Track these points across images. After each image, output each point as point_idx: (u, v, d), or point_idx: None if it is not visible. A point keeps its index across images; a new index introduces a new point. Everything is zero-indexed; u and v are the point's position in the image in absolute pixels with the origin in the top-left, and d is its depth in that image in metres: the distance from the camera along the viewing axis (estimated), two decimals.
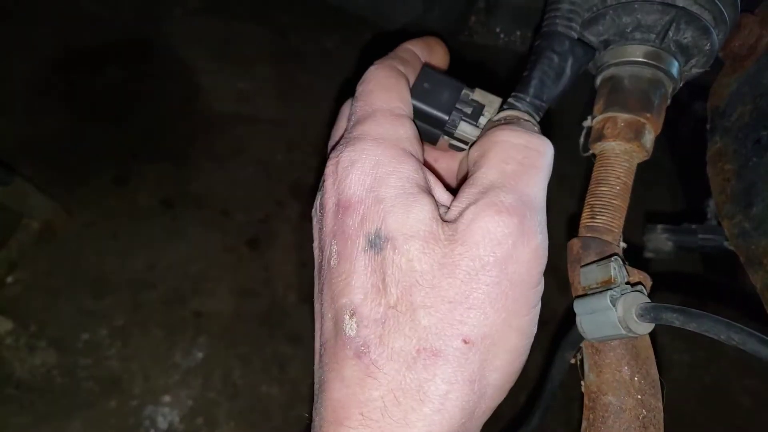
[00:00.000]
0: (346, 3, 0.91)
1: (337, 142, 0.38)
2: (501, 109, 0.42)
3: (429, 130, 0.43)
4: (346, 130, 0.39)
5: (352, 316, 0.32)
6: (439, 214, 0.34)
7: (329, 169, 0.36)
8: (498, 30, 0.72)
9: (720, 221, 0.54)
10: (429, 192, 0.35)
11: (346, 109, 0.43)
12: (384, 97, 0.38)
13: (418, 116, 0.42)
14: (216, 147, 1.71)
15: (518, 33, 0.72)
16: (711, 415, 1.57)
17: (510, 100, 0.43)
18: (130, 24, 1.83)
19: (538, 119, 0.43)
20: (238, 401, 1.40)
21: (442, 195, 0.37)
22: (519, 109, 0.42)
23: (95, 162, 1.60)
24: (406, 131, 0.37)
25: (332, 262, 0.34)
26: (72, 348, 1.37)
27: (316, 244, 0.39)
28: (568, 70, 0.44)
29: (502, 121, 0.40)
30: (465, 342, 0.32)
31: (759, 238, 0.49)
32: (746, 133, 0.52)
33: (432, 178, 0.37)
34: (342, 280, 0.33)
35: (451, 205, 0.35)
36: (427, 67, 0.43)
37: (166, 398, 1.37)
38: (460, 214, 0.33)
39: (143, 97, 1.73)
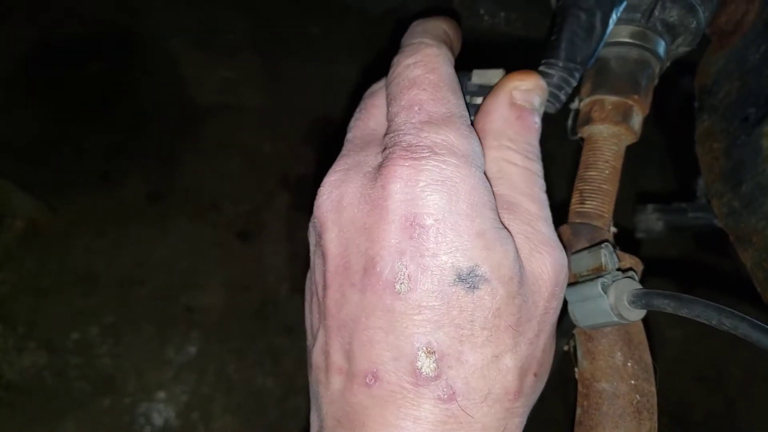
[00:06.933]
0: None
1: (394, 132, 0.33)
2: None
3: None
4: (396, 117, 0.34)
5: (430, 353, 0.30)
6: None
7: (402, 171, 0.31)
8: (482, 12, 0.70)
9: (709, 200, 0.54)
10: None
11: (380, 97, 0.38)
12: (455, 100, 0.34)
13: None
14: (202, 139, 1.69)
15: (502, 15, 0.71)
16: (705, 389, 1.59)
17: (542, 68, 0.41)
18: (109, 15, 1.79)
19: (575, 83, 0.41)
20: (234, 395, 1.40)
21: None
22: (552, 78, 0.40)
23: (79, 158, 1.58)
24: (481, 149, 0.34)
25: (400, 287, 0.30)
26: (62, 348, 1.36)
27: (341, 243, 0.33)
28: (598, 26, 0.41)
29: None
30: (535, 375, 0.33)
31: (748, 217, 0.49)
32: (734, 110, 0.52)
33: None
34: (417, 314, 0.30)
35: None
36: None
37: (161, 394, 1.36)
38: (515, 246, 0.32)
39: (126, 91, 1.71)
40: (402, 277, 0.30)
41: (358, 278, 0.32)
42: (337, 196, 0.34)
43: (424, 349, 0.30)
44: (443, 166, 0.30)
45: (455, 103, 0.34)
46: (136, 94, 1.71)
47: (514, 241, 0.32)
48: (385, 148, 0.33)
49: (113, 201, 1.55)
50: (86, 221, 1.51)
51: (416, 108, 0.33)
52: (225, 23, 1.86)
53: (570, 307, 0.39)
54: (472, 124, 0.37)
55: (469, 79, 0.40)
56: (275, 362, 1.45)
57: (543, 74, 0.40)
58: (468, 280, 0.30)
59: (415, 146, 0.31)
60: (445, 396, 0.30)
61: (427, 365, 0.29)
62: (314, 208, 0.35)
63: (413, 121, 0.33)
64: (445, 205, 0.30)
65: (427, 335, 0.30)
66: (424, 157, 0.31)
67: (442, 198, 0.30)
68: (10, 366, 1.31)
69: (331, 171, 0.35)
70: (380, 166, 0.32)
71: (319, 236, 0.34)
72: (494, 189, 0.34)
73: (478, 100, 0.39)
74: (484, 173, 0.33)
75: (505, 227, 0.32)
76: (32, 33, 1.70)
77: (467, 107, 0.39)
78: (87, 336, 1.38)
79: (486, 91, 0.38)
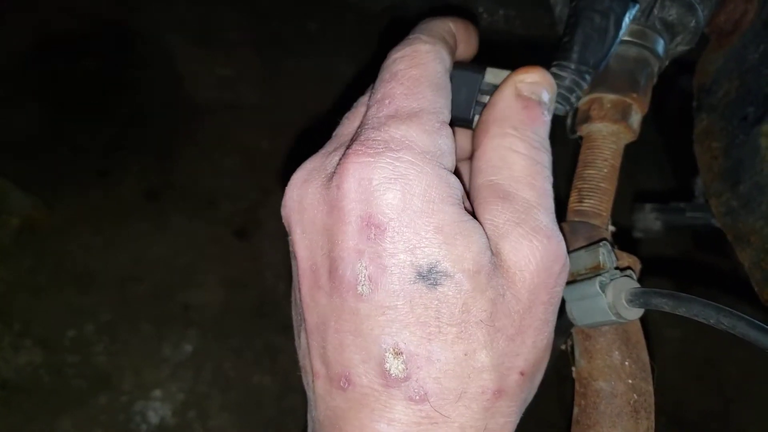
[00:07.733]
0: None
1: (361, 125, 0.33)
2: None
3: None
4: (369, 110, 0.33)
5: (397, 354, 0.29)
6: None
7: (355, 169, 0.30)
8: (481, 10, 0.70)
9: (707, 199, 0.54)
10: (473, 215, 0.33)
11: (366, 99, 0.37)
12: (431, 96, 0.33)
13: None
14: (199, 136, 1.68)
15: (501, 13, 0.71)
16: (703, 388, 1.59)
17: (553, 69, 0.41)
18: (107, 12, 1.79)
19: (586, 86, 0.41)
20: (231, 393, 1.39)
21: (468, 206, 0.34)
22: (564, 80, 0.40)
23: (76, 156, 1.57)
24: (449, 145, 0.33)
25: (362, 289, 0.29)
26: (58, 345, 1.35)
27: (306, 245, 0.33)
28: (611, 29, 0.41)
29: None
30: (521, 374, 0.32)
31: (746, 216, 0.49)
32: (732, 110, 0.52)
33: None
34: (380, 315, 0.29)
35: (483, 220, 0.32)
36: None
37: (157, 393, 1.36)
38: (500, 235, 0.31)
39: (124, 88, 1.70)
40: (363, 278, 0.29)
41: (325, 281, 0.31)
42: (298, 197, 0.33)
43: (391, 350, 0.29)
44: (397, 163, 0.30)
45: (430, 100, 0.33)
46: (133, 91, 1.70)
47: (485, 232, 0.31)
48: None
49: (110, 198, 1.54)
50: (83, 218, 1.50)
51: (387, 101, 0.33)
52: (223, 20, 1.86)
53: (568, 306, 0.39)
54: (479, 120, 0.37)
55: (483, 76, 0.39)
56: (273, 360, 1.45)
57: (555, 76, 0.40)
58: (429, 277, 0.29)
59: (372, 141, 0.31)
60: (417, 397, 0.29)
61: (395, 366, 0.29)
62: (281, 208, 0.35)
63: (380, 115, 0.32)
64: (399, 204, 0.29)
65: (393, 336, 0.29)
66: (378, 153, 0.30)
67: (396, 196, 0.29)
68: (6, 364, 1.31)
69: (297, 170, 0.35)
70: (337, 164, 0.32)
71: (289, 236, 0.34)
72: (493, 178, 0.33)
73: (486, 99, 0.39)
74: (477, 166, 0.33)
75: (476, 218, 0.32)
76: (29, 30, 1.70)
77: (474, 104, 0.39)
78: (83, 334, 1.38)
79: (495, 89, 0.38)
